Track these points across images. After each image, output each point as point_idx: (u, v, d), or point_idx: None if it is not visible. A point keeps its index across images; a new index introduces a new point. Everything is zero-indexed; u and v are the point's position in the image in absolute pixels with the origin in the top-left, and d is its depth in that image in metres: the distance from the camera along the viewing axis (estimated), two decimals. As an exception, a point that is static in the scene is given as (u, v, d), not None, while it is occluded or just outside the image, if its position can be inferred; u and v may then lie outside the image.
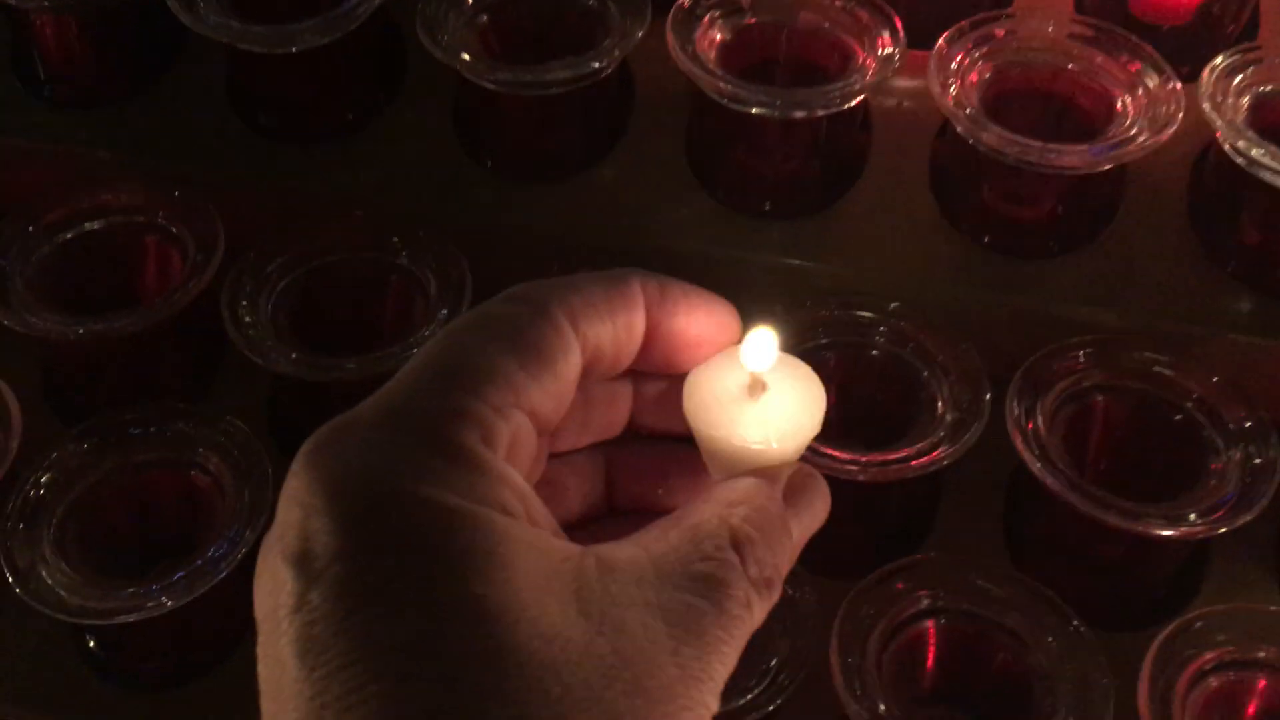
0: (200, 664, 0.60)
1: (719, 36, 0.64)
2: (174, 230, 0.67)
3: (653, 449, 0.35)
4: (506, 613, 0.26)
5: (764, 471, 0.31)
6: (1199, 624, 0.53)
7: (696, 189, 0.67)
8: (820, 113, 0.60)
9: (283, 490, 0.28)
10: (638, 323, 0.31)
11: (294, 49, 0.64)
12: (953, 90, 0.61)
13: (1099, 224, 0.64)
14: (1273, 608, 0.57)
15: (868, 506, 0.61)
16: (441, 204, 0.67)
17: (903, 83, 0.68)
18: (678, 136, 0.68)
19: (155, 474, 0.61)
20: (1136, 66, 0.62)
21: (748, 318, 0.34)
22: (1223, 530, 0.53)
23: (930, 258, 0.64)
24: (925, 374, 0.59)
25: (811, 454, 0.52)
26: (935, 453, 0.55)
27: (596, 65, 0.62)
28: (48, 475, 0.59)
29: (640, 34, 0.63)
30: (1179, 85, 0.61)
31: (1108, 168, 0.60)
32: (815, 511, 0.32)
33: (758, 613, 0.29)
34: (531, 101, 0.64)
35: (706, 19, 0.64)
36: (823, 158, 0.66)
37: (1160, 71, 0.61)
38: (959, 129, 0.60)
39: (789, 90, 0.60)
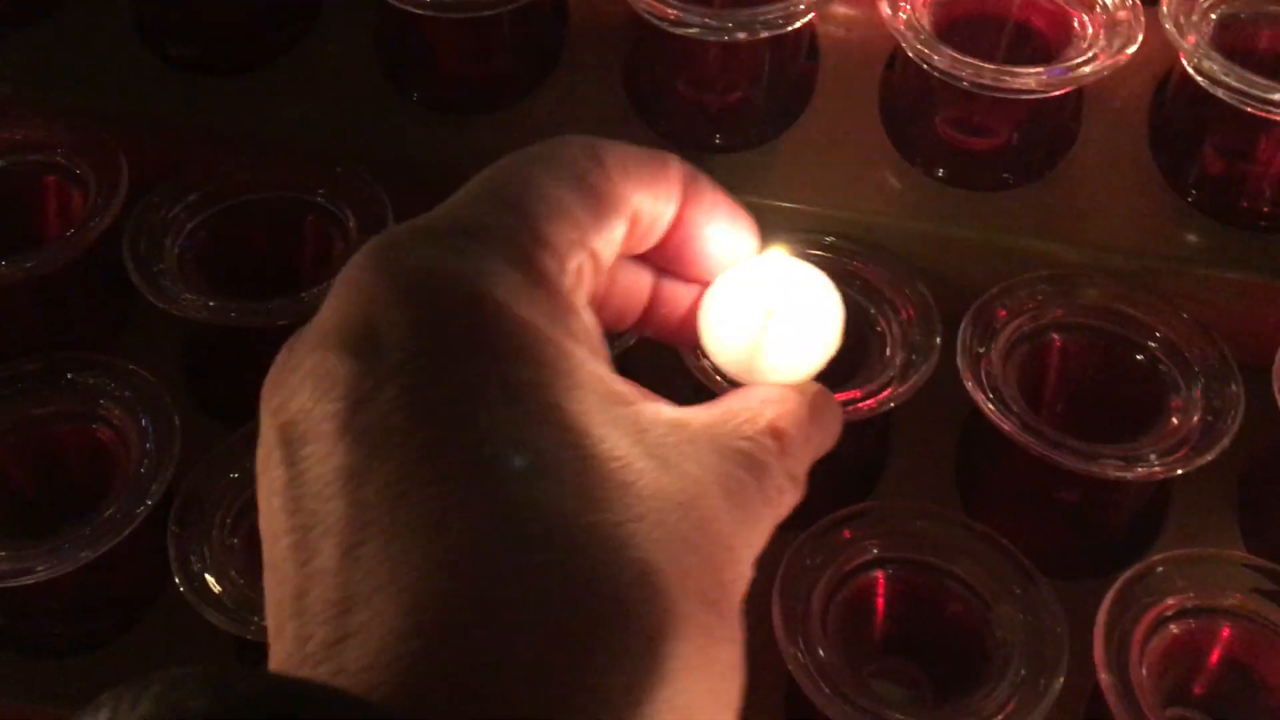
0: (106, 630, 0.57)
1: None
2: (75, 168, 0.62)
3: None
4: (590, 430, 0.26)
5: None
6: (1160, 569, 0.51)
7: (636, 122, 0.63)
8: (764, 34, 0.57)
9: (338, 283, 0.27)
10: (675, 196, 0.31)
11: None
12: (903, 13, 0.58)
13: (1056, 154, 0.62)
14: (1236, 553, 0.55)
15: (814, 452, 0.59)
16: (363, 139, 0.64)
17: (851, 10, 0.65)
18: (616, 67, 0.65)
19: (57, 429, 0.58)
20: (1095, -15, 0.59)
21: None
22: (1180, 472, 0.51)
23: (881, 191, 0.62)
24: (873, 312, 0.57)
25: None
26: (883, 393, 0.53)
27: (528, -16, 0.59)
28: (-62, 430, 0.55)
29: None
30: (1139, 1, 0.58)
31: (1065, 91, 0.57)
32: (831, 430, 0.32)
33: (788, 503, 0.29)
34: (460, 26, 0.61)
35: (645, -60, 0.60)
36: (767, 88, 0.63)
37: (1120, -11, 0.59)
38: (910, 53, 0.57)
39: (730, 10, 0.57)
